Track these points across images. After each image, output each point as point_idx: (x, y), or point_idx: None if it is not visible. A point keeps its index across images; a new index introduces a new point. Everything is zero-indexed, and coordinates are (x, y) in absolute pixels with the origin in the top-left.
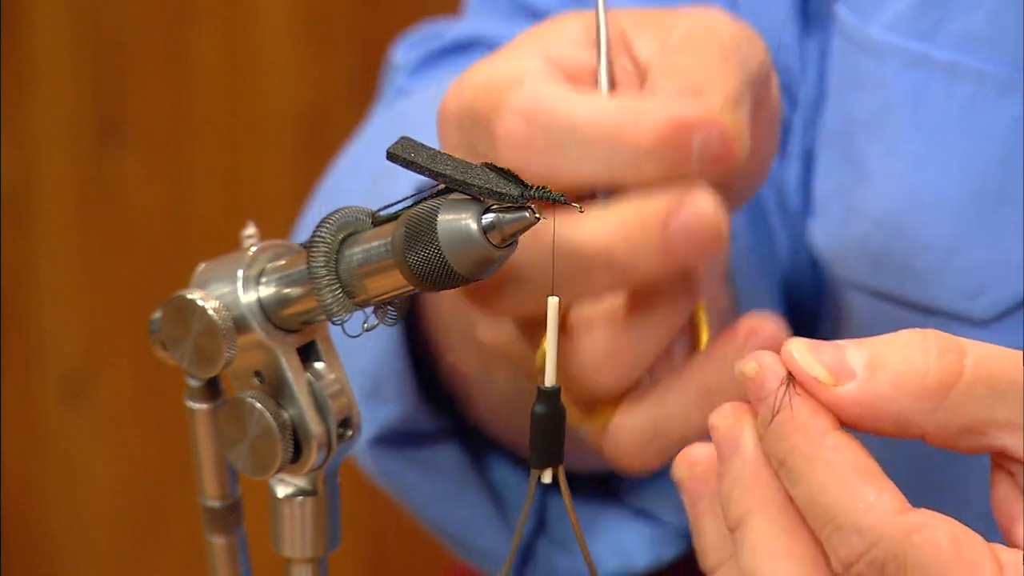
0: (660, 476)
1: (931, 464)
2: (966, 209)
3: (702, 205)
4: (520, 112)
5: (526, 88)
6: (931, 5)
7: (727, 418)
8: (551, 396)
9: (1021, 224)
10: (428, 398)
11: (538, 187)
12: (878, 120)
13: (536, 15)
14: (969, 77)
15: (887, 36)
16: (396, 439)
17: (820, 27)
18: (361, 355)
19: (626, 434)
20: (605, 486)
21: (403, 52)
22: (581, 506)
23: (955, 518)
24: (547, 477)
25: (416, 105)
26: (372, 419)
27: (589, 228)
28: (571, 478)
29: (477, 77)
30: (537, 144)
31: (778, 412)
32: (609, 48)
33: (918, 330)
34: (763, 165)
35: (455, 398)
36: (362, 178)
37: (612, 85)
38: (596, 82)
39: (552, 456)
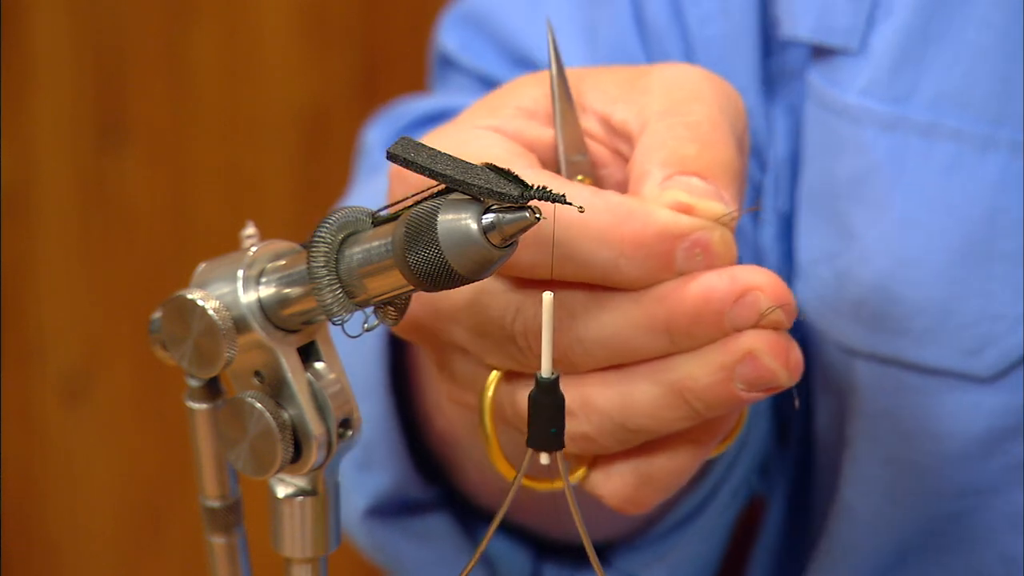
0: (649, 542)
1: (946, 508)
2: (957, 268)
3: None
4: None
5: None
6: (905, 68)
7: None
8: (550, 385)
9: (1018, 278)
10: (420, 466)
11: (538, 187)
12: (861, 184)
13: None
14: (948, 137)
15: (863, 101)
16: (389, 509)
17: (783, 90)
18: None
19: (612, 481)
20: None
21: (374, 132)
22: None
23: (975, 559)
24: (544, 459)
25: None
26: (364, 490)
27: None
28: (561, 545)
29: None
30: (526, 237)
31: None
32: (570, 112)
33: None
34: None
35: (445, 466)
36: None
37: (581, 151)
38: (554, 152)
39: (552, 441)
